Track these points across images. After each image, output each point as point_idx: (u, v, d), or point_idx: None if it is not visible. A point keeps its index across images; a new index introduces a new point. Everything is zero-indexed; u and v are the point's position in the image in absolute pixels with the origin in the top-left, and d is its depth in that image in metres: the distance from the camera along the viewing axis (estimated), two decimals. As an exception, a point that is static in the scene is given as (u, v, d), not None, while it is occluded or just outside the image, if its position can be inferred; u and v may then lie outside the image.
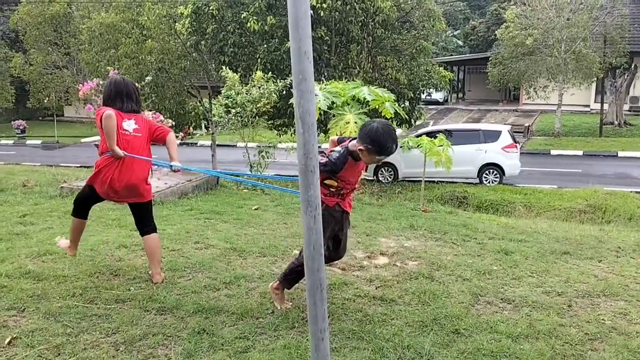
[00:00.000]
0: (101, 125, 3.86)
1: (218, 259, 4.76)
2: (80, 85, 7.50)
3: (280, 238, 5.49)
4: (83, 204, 4.25)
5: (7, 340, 3.23)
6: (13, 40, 27.03)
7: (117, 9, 18.98)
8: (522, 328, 3.54)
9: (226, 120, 8.33)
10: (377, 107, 7.53)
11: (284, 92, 9.61)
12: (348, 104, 7.13)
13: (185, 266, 4.56)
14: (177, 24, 16.21)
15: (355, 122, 6.76)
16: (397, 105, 7.45)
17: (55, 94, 22.16)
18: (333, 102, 7.09)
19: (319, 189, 1.76)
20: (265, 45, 15.38)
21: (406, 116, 7.63)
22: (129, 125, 3.98)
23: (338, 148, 3.54)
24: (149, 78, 8.69)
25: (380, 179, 16.74)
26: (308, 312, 1.83)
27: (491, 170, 15.62)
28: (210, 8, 15.41)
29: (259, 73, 8.88)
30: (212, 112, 8.87)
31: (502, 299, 4.06)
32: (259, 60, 14.98)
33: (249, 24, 14.67)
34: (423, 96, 35.43)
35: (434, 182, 15.23)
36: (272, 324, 3.52)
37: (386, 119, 8.74)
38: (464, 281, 4.42)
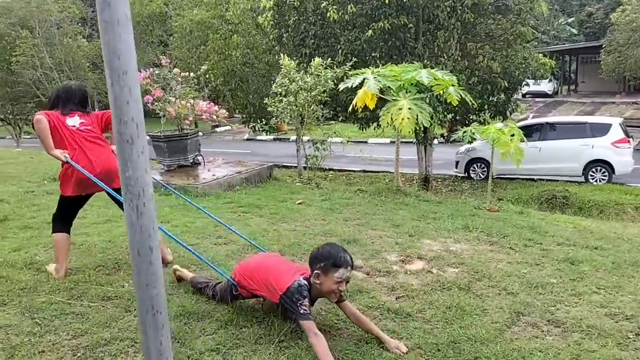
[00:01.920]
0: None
1: (231, 256, 4.34)
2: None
3: (309, 236, 4.96)
4: (64, 216, 3.98)
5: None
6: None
7: (208, 6, 19.41)
8: (564, 362, 2.74)
9: (279, 109, 7.94)
10: (440, 92, 6.72)
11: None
12: (406, 90, 6.41)
13: (193, 263, 4.19)
14: (259, 17, 16.20)
15: (410, 109, 6.03)
16: (464, 91, 6.59)
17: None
18: (388, 87, 6.40)
19: (144, 168, 1.21)
20: (346, 36, 14.83)
21: (472, 102, 6.69)
22: (74, 121, 3.85)
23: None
24: (204, 67, 8.49)
25: (472, 175, 15.62)
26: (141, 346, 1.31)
27: (599, 168, 13.98)
28: (292, 0, 15.13)
29: (317, 59, 8.38)
30: (268, 103, 8.52)
31: (549, 321, 3.24)
32: (340, 52, 14.49)
33: (329, 14, 14.21)
34: (528, 87, 33.14)
35: (532, 180, 13.88)
36: (253, 335, 3.02)
37: (452, 106, 7.87)
38: (507, 295, 3.63)
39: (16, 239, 4.86)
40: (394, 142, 17.20)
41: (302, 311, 2.83)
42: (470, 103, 6.73)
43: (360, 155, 16.93)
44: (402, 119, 5.93)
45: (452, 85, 6.44)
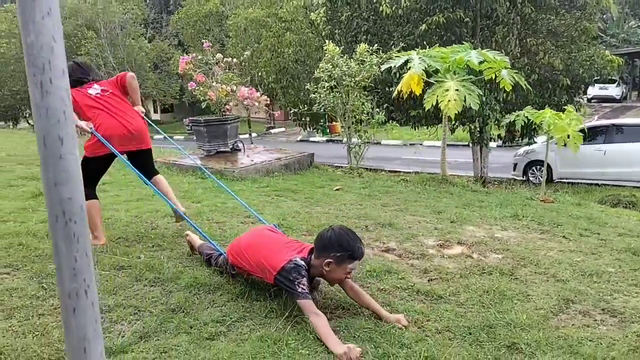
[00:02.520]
0: None
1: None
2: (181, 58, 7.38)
3: (342, 219, 4.66)
4: (91, 182, 3.82)
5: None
6: (178, 43, 29.50)
7: (263, 4, 19.49)
8: (621, 351, 2.31)
9: (322, 96, 7.67)
10: (492, 77, 6.26)
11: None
12: (454, 72, 5.99)
13: (215, 238, 3.98)
14: (312, 14, 16.05)
15: (457, 90, 5.61)
16: (517, 74, 6.11)
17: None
18: (435, 69, 6.00)
19: (50, 34, 0.96)
20: (399, 31, 14.45)
21: (526, 86, 6.18)
22: (95, 89, 3.84)
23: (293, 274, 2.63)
24: (247, 53, 8.37)
25: (531, 179, 14.82)
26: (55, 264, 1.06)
27: (671, 174, 12.94)
28: (345, -5, 14.89)
29: (363, 45, 8.05)
30: (311, 89, 8.26)
31: (604, 310, 2.81)
32: (392, 48, 14.12)
33: (381, 9, 13.87)
34: (594, 91, 31.47)
35: (596, 185, 13.00)
36: (264, 309, 2.76)
37: (505, 92, 7.36)
38: (556, 282, 3.20)
39: (46, 212, 4.81)
40: (451, 144, 16.64)
41: (299, 290, 2.57)
42: (524, 88, 6.22)
43: (414, 157, 16.42)
44: (449, 100, 5.52)
45: (505, 68, 5.98)
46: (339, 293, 2.99)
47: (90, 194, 3.76)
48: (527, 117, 6.29)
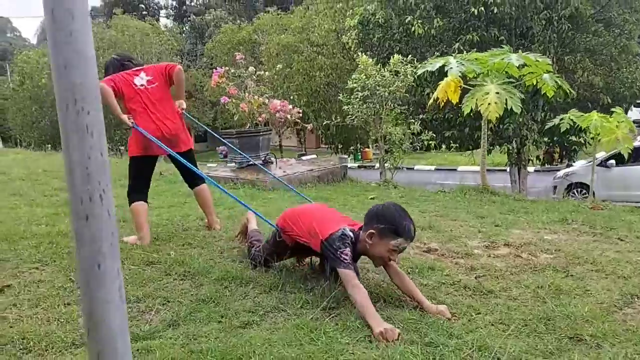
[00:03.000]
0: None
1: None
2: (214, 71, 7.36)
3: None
4: (138, 184, 3.84)
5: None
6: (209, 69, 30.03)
7: (295, 31, 19.73)
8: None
9: (355, 107, 7.52)
10: (534, 83, 6.04)
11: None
12: (493, 77, 5.79)
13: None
14: (343, 36, 16.11)
15: (498, 93, 5.39)
16: (560, 78, 5.87)
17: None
18: (475, 74, 5.80)
19: (84, 46, 0.86)
20: (432, 51, 14.32)
21: (569, 90, 5.93)
22: (141, 79, 3.77)
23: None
24: (279, 66, 8.35)
25: (572, 202, 14.22)
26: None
27: None
28: (377, 17, 14.88)
29: (397, 56, 7.94)
30: (344, 100, 8.14)
31: (675, 305, 2.51)
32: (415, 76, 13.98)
33: (413, 29, 13.80)
34: (633, 114, 30.56)
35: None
36: (299, 300, 2.58)
37: (546, 98, 7.07)
38: (617, 279, 2.93)
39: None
40: (488, 168, 16.22)
41: (342, 258, 2.43)
42: (567, 92, 5.97)
43: (447, 182, 16.06)
44: (489, 103, 5.31)
45: (547, 72, 5.76)
46: (384, 284, 2.80)
47: (136, 198, 3.76)
48: (572, 119, 6.01)
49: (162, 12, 48.10)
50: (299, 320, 2.36)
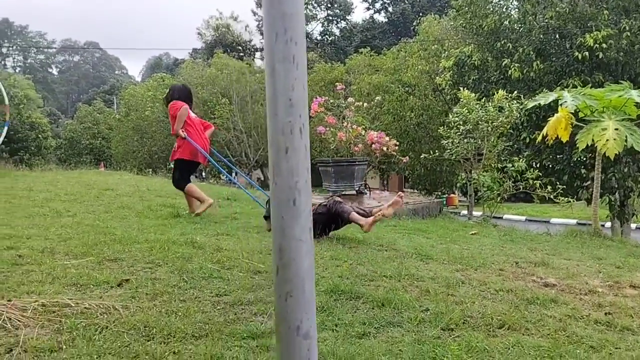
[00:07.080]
0: (175, 114, 5.57)
1: (391, 259, 3.82)
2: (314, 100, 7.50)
3: (487, 254, 4.24)
4: (185, 177, 5.73)
5: (118, 282, 2.90)
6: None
7: (386, 71, 19.94)
8: None
9: (454, 142, 7.33)
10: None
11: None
12: (611, 112, 5.44)
13: (349, 258, 3.76)
14: (437, 77, 16.03)
15: (617, 129, 5.06)
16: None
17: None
18: (591, 110, 5.50)
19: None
20: (530, 94, 13.86)
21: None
22: (193, 114, 5.82)
23: None
24: (378, 98, 8.37)
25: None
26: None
27: None
28: (473, 59, 14.72)
29: (501, 92, 7.70)
30: (441, 133, 7.95)
31: None
32: (523, 112, 13.54)
33: (510, 72, 13.46)
34: None
35: None
36: (414, 318, 2.44)
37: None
38: None
39: (184, 227, 4.91)
40: (582, 223, 15.17)
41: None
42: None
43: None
44: (607, 139, 4.98)
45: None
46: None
47: (186, 183, 5.65)
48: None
49: (258, 54, 50.49)
50: (418, 336, 2.23)
